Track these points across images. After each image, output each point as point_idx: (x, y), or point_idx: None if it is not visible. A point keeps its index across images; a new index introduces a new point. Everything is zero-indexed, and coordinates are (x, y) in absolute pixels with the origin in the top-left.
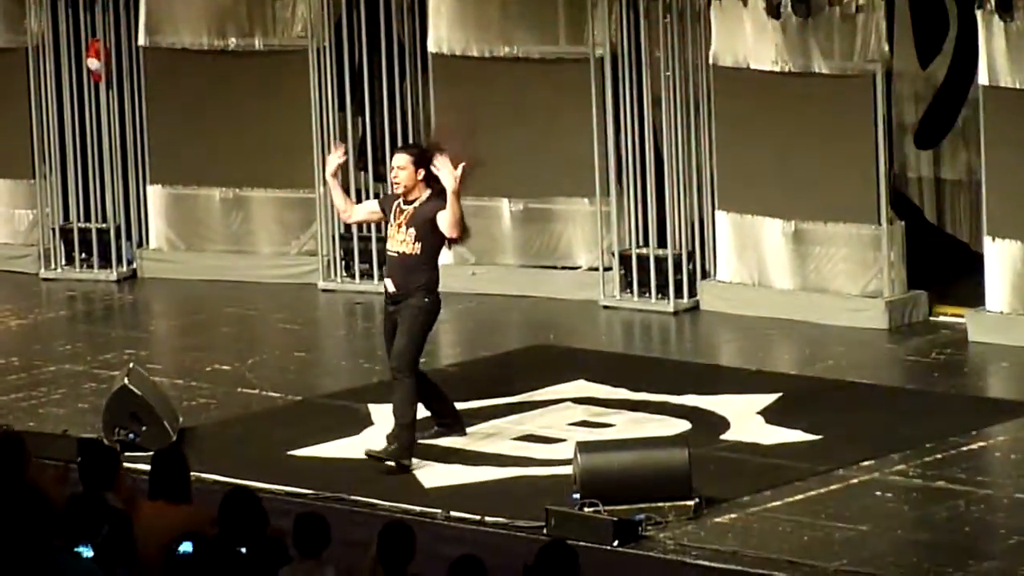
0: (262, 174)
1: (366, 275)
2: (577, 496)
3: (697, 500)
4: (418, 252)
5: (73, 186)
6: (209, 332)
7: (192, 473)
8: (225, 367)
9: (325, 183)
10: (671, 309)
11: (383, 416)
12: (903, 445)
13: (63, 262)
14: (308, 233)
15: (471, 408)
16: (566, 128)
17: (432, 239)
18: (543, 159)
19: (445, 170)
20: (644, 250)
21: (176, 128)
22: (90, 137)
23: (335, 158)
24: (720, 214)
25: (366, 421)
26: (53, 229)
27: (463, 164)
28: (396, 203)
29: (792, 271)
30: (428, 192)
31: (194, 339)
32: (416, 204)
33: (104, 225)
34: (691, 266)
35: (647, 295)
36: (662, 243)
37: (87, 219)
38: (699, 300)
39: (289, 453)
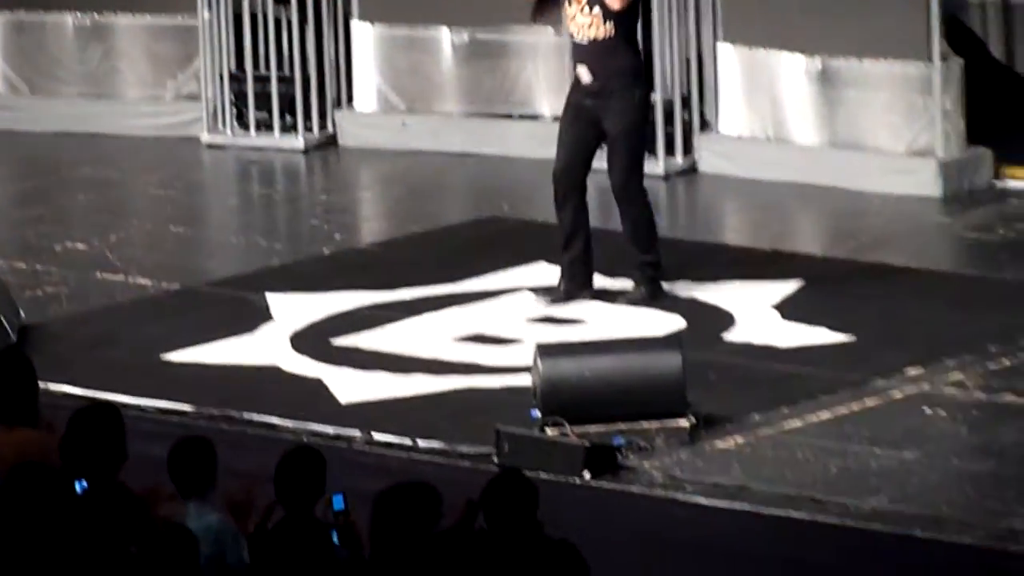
0: None
1: (264, 126)
2: (537, 414)
3: (693, 419)
4: (613, 34)
5: None
6: (60, 200)
7: (40, 384)
8: (80, 246)
9: (210, 6)
10: (660, 171)
11: (284, 308)
12: (960, 348)
13: None
14: (189, 71)
15: (400, 300)
16: None
17: (625, 14)
18: None
19: None
20: None
21: None
22: None
23: None
24: (724, 47)
25: (263, 315)
26: None
27: None
28: None
29: (818, 122)
30: None
31: (40, 209)
32: None
33: None
34: (686, 115)
35: None
36: (648, 85)
37: None
38: (696, 159)
39: (164, 358)
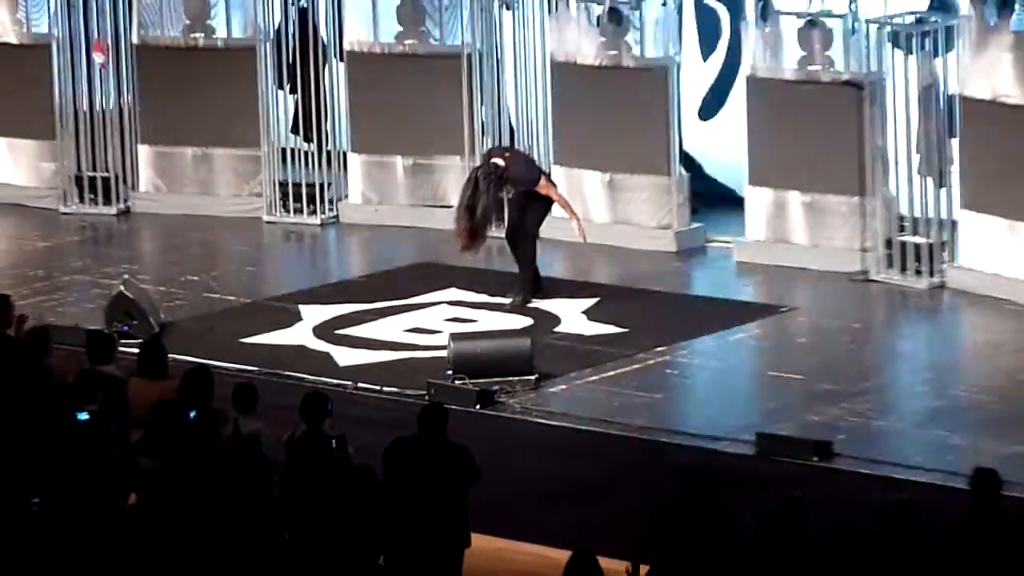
0: (222, 137)
1: (298, 211)
2: (450, 372)
3: (537, 376)
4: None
5: (85, 145)
6: (183, 252)
7: (170, 355)
8: (194, 278)
9: (268, 144)
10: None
11: (309, 313)
12: (686, 335)
13: (76, 200)
14: (256, 180)
15: (373, 308)
16: (443, 105)
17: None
18: (427, 126)
19: None
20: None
21: (160, 102)
22: (97, 110)
23: None
24: (556, 167)
25: (297, 317)
26: (70, 176)
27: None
28: None
29: (608, 209)
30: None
31: (172, 257)
32: None
33: (107, 174)
34: None
35: None
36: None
37: (95, 169)
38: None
39: (241, 341)
